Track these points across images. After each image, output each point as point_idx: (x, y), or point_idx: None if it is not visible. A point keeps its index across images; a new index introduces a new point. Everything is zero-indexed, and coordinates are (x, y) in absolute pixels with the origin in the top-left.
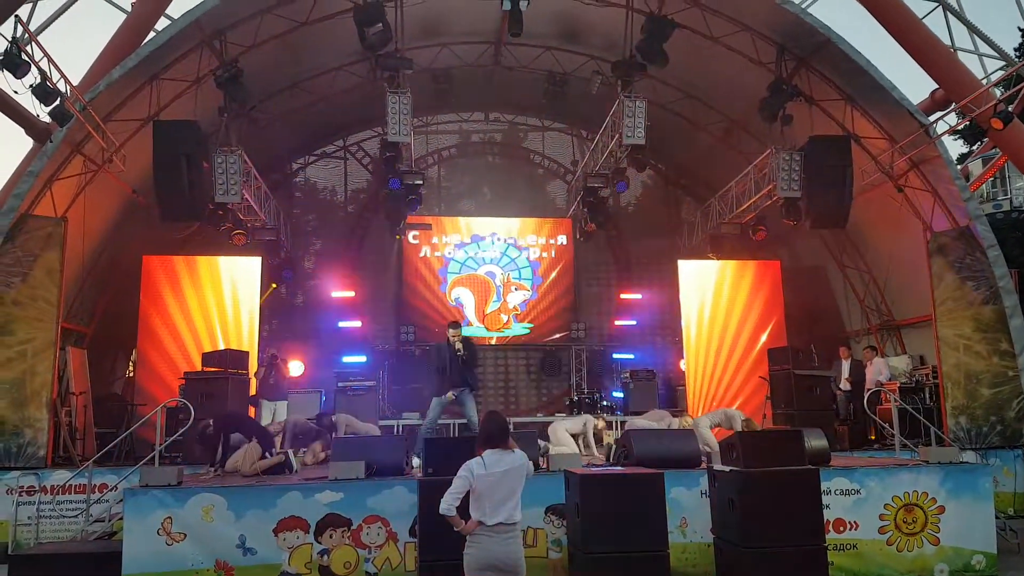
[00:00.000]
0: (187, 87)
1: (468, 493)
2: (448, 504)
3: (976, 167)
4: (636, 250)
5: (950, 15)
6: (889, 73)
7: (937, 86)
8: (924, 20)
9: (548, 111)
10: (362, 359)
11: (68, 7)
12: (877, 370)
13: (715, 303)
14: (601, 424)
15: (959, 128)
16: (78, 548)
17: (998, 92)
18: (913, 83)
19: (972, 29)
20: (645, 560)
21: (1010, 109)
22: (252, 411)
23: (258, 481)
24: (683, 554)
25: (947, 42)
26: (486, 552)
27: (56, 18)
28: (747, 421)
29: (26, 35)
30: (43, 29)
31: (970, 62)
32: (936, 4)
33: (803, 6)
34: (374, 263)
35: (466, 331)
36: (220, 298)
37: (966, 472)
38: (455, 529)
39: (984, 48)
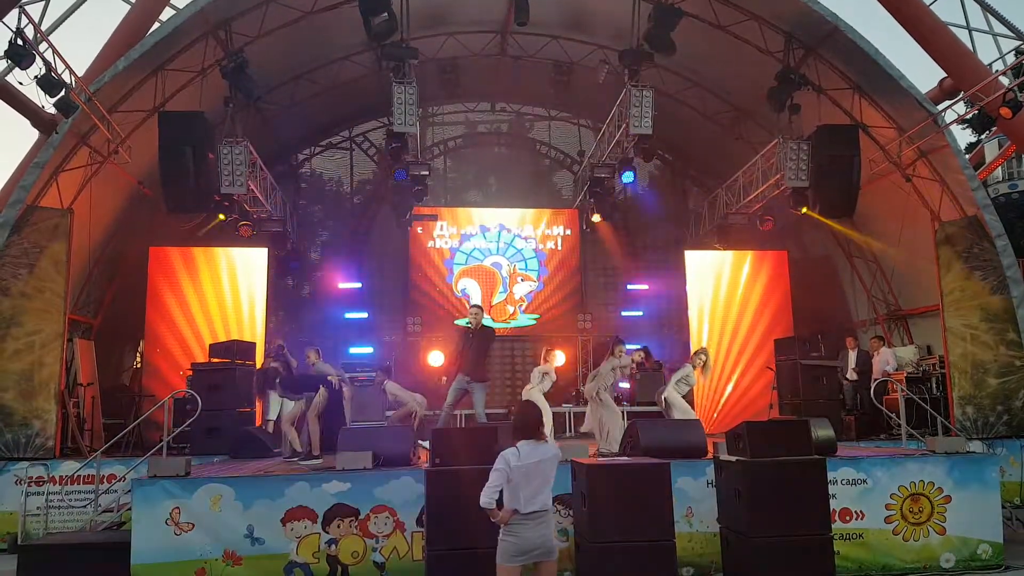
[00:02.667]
0: (192, 78)
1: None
2: (488, 498)
3: (992, 148)
4: (643, 241)
5: None
6: (897, 62)
7: (945, 75)
8: (938, 1)
9: (555, 101)
10: (369, 350)
11: (79, 5)
12: (884, 360)
13: (722, 293)
14: (552, 358)
15: (968, 117)
16: (87, 538)
17: (1006, 80)
18: (921, 72)
19: (986, 8)
20: (651, 550)
21: (1020, 98)
22: (259, 403)
23: (265, 472)
24: (689, 543)
25: (961, 23)
26: (523, 539)
27: (67, 17)
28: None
29: (31, 26)
30: (54, 29)
31: (985, 42)
32: None
33: None
34: (380, 254)
35: None
36: (226, 289)
37: (972, 462)
38: (492, 520)
39: (999, 28)
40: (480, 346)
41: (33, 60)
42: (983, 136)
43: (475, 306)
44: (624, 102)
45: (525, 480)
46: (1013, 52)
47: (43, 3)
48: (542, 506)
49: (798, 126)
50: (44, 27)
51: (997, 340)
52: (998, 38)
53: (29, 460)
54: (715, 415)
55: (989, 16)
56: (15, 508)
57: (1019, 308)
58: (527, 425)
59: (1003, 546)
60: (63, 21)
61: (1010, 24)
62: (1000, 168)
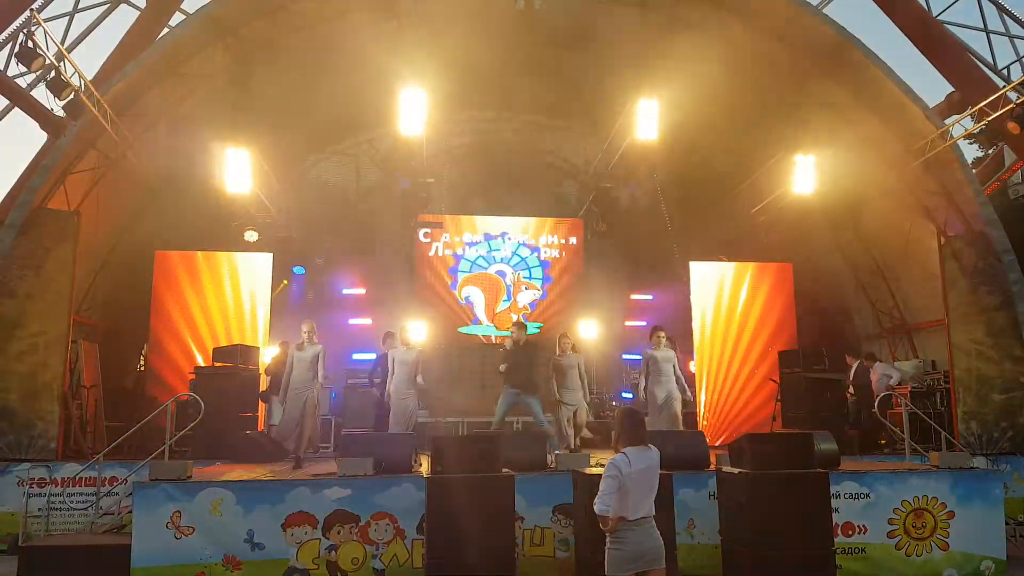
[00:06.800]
0: (201, 82)
1: None
2: (605, 505)
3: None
4: (647, 251)
5: None
6: (905, 76)
7: (953, 89)
8: (955, 3)
9: (562, 110)
10: (372, 356)
11: (102, 20)
12: (883, 374)
13: (726, 305)
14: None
15: (975, 132)
16: (87, 540)
17: (1014, 96)
18: (930, 86)
19: (1003, 10)
20: None
21: None
22: (262, 407)
23: (268, 476)
24: (690, 556)
25: (978, 25)
26: (635, 546)
27: (89, 33)
28: None
29: (42, 28)
30: (76, 45)
31: (1001, 44)
32: None
33: (820, 7)
34: (385, 261)
35: (476, 330)
36: (230, 294)
37: (976, 478)
38: (603, 528)
39: (1016, 29)
40: (529, 359)
41: (44, 62)
42: (990, 151)
43: (517, 323)
44: (632, 112)
45: (635, 486)
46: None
47: (66, 19)
48: (648, 512)
49: (805, 138)
50: (66, 43)
51: (1002, 356)
52: (1015, 40)
53: (31, 461)
54: (718, 427)
55: (1006, 18)
56: (16, 509)
57: None
58: (636, 431)
59: (1006, 562)
60: (84, 37)
61: None
62: (1021, 171)
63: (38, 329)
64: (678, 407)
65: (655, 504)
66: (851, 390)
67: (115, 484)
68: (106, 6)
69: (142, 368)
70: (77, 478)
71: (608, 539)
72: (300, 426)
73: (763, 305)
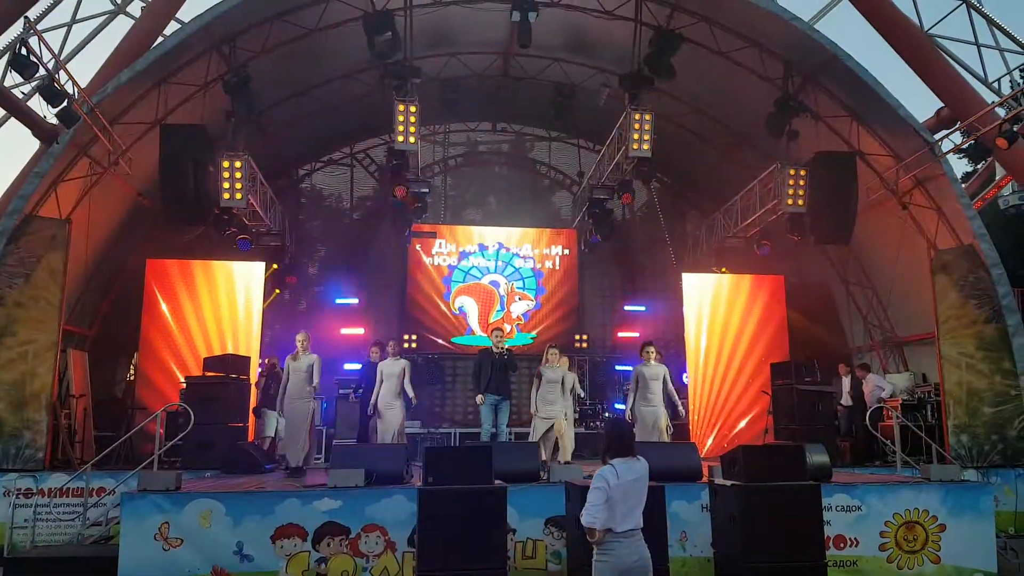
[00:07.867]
0: (195, 91)
1: None
2: (592, 517)
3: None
4: (640, 262)
5: (972, 12)
6: (895, 90)
7: (943, 104)
8: (946, 18)
9: (555, 122)
10: (359, 367)
11: (101, 30)
12: (876, 385)
13: (719, 316)
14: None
15: (964, 147)
16: (74, 552)
17: (1003, 112)
18: (919, 101)
19: (993, 24)
20: None
21: (1015, 129)
22: (253, 421)
23: (258, 487)
24: (683, 568)
25: (969, 39)
26: (621, 559)
27: (87, 43)
28: None
29: (35, 35)
30: (73, 56)
31: (992, 57)
32: (960, 2)
33: (811, 23)
34: (378, 270)
35: (469, 340)
36: (223, 303)
37: (967, 490)
38: (591, 540)
39: (1006, 43)
40: (508, 367)
41: (36, 70)
42: (979, 166)
43: (497, 329)
44: (624, 125)
45: (623, 498)
46: (1016, 71)
47: (65, 29)
48: (635, 524)
49: (796, 152)
50: (64, 53)
51: (992, 369)
52: (1005, 53)
53: (18, 471)
54: (710, 439)
55: (996, 31)
56: (2, 520)
57: (1014, 337)
58: (624, 443)
59: None
60: (83, 47)
61: (1017, 40)
62: (1011, 183)
63: (27, 337)
64: (663, 427)
65: (645, 516)
66: (843, 401)
67: (103, 495)
68: (104, 16)
69: (132, 378)
70: (64, 488)
71: (595, 551)
72: (301, 438)
73: (756, 317)
